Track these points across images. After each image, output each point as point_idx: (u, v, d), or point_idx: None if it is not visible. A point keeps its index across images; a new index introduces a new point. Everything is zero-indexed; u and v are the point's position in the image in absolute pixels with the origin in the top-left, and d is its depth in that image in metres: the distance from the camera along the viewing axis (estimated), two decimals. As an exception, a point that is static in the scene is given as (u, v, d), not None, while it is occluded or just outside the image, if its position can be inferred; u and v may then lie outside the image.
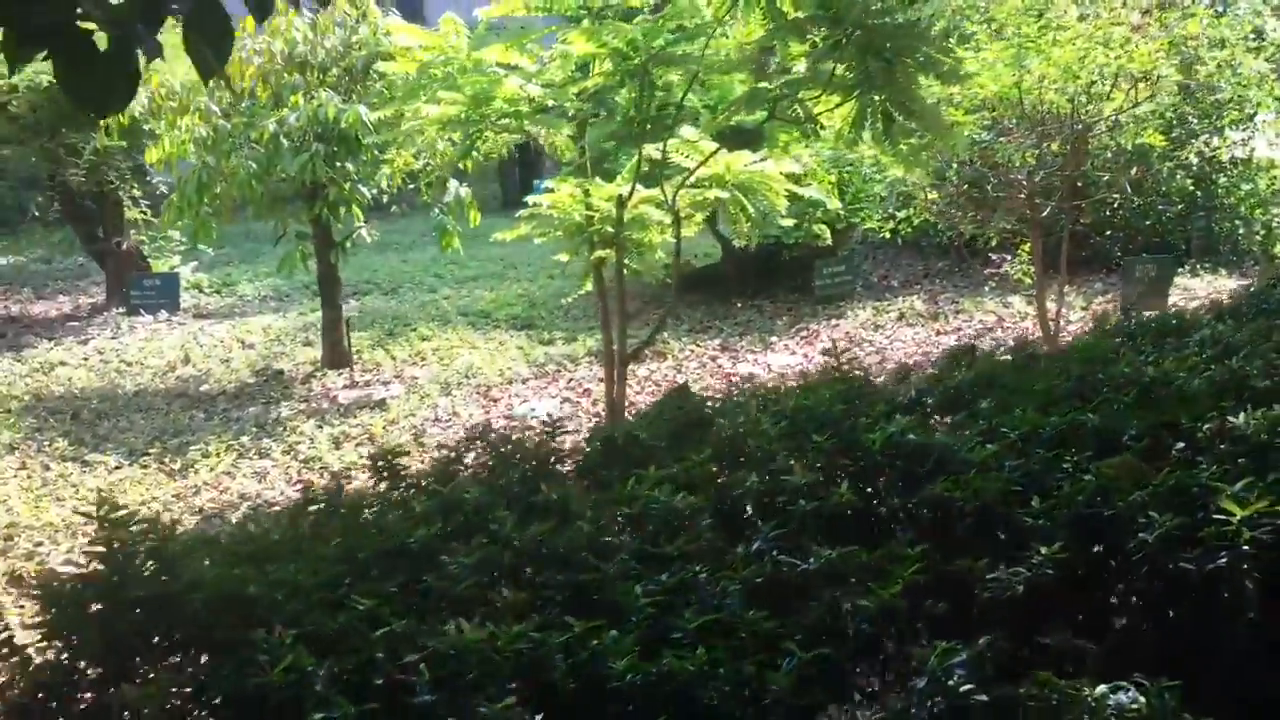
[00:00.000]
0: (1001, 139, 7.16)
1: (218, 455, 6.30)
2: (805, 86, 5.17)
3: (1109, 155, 8.38)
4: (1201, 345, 4.63)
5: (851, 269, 9.59)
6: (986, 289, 9.49)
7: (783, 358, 7.85)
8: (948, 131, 5.79)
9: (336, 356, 8.08)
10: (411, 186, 8.22)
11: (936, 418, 3.99)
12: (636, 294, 10.16)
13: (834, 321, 8.86)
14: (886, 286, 10.19)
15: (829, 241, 9.02)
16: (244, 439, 6.58)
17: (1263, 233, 10.35)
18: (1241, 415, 3.18)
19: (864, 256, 10.77)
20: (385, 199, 8.31)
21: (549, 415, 5.58)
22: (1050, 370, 4.51)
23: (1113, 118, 7.35)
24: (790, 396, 4.41)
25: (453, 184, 7.82)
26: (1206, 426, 3.28)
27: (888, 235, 8.99)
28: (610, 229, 5.86)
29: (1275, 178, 10.79)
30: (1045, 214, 7.59)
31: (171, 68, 7.05)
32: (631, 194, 5.61)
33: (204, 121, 7.36)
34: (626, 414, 5.86)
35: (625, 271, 6.10)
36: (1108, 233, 10.25)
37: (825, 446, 3.41)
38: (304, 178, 7.16)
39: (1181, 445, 3.24)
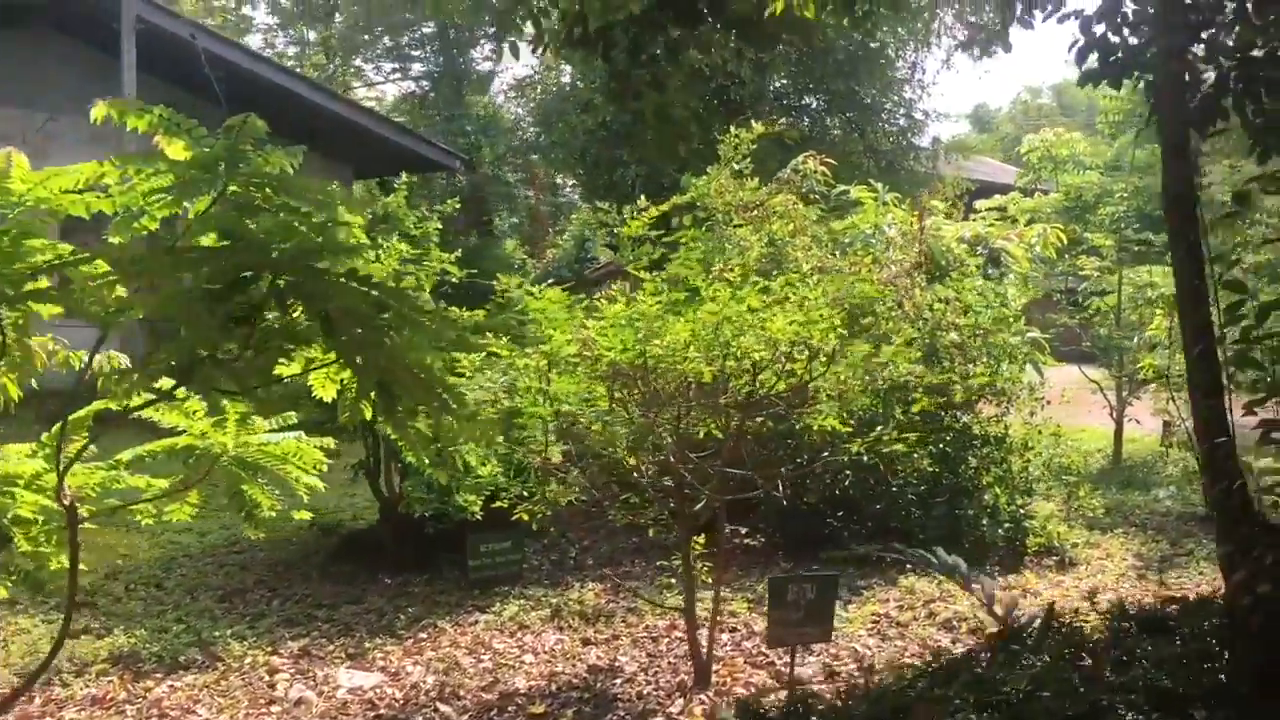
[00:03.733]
0: (605, 420, 5.70)
1: None
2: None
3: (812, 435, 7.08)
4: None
5: (518, 546, 7.92)
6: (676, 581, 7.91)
7: (365, 676, 6.03)
8: (468, 418, 4.30)
9: None
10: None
11: None
12: (266, 562, 8.32)
13: (474, 616, 7.11)
14: (576, 566, 8.54)
15: (477, 514, 7.37)
16: None
17: (1009, 525, 9.07)
18: None
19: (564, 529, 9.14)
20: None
21: None
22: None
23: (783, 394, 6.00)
24: None
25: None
26: None
27: (526, 518, 7.33)
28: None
29: (1029, 461, 9.63)
30: (699, 506, 6.12)
31: None
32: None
33: None
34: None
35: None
36: (837, 515, 8.86)
37: None
38: None
39: None
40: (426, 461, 4.54)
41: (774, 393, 5.95)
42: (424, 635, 6.73)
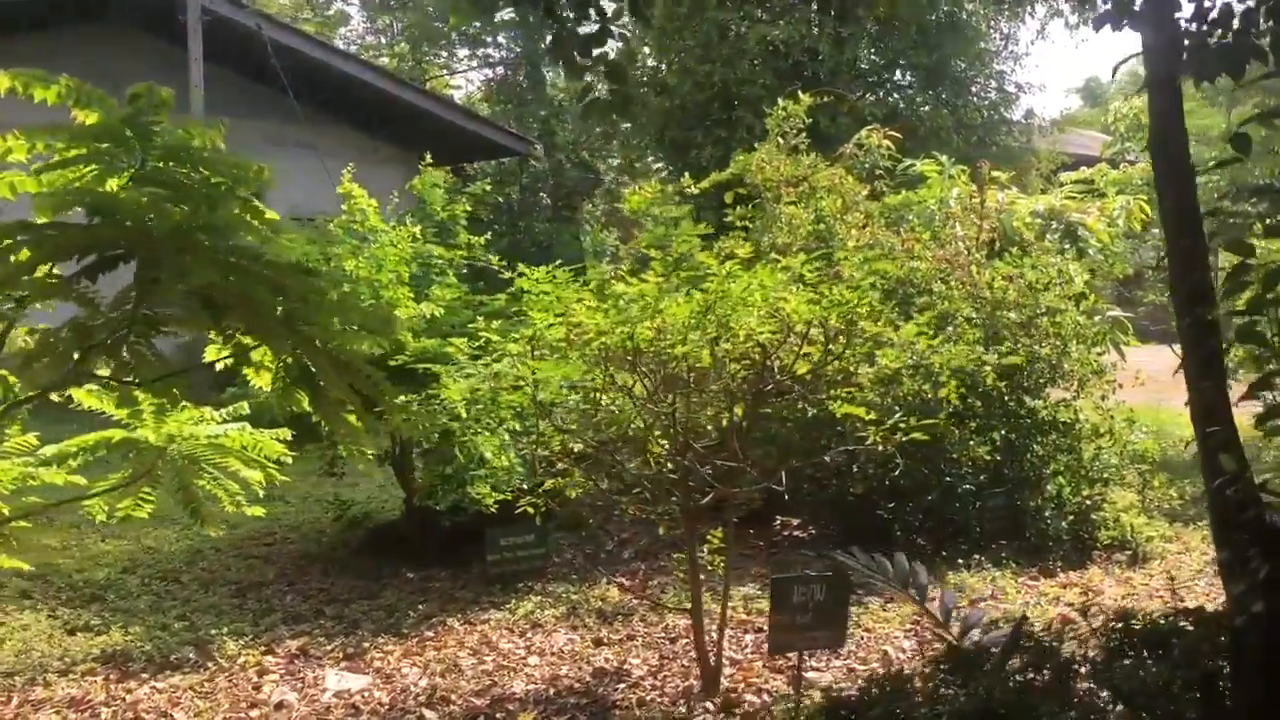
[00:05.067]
0: (583, 408, 5.31)
1: None
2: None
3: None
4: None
5: (542, 539, 7.58)
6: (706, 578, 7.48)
7: (355, 679, 5.75)
8: (399, 409, 3.97)
9: None
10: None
11: None
12: (287, 558, 8.15)
13: (487, 613, 6.80)
14: (610, 560, 8.19)
15: (491, 507, 7.04)
16: None
17: (1073, 517, 8.43)
18: None
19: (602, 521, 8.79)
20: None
21: None
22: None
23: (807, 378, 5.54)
24: None
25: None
26: None
27: (531, 511, 6.94)
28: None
29: (1100, 448, 8.94)
30: (706, 500, 5.70)
31: None
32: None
33: None
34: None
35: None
36: (889, 506, 8.33)
37: None
38: None
39: None
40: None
41: (792, 376, 5.50)
42: (430, 634, 6.43)
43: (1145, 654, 3.02)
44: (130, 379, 3.41)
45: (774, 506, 9.27)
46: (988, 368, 7.82)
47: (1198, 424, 3.11)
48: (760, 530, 9.12)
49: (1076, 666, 2.81)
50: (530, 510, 6.00)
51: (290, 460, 4.70)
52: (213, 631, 6.29)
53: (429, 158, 8.70)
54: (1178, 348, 3.63)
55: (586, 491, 6.05)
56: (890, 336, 6.29)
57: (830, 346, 5.47)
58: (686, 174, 10.59)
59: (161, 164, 3.52)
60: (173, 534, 8.36)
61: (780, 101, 9.92)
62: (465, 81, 30.66)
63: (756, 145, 9.89)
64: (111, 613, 6.64)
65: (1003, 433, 8.60)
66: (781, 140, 9.66)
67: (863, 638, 6.44)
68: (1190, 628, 3.08)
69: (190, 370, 3.72)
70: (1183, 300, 3.22)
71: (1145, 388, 9.83)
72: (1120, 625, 3.14)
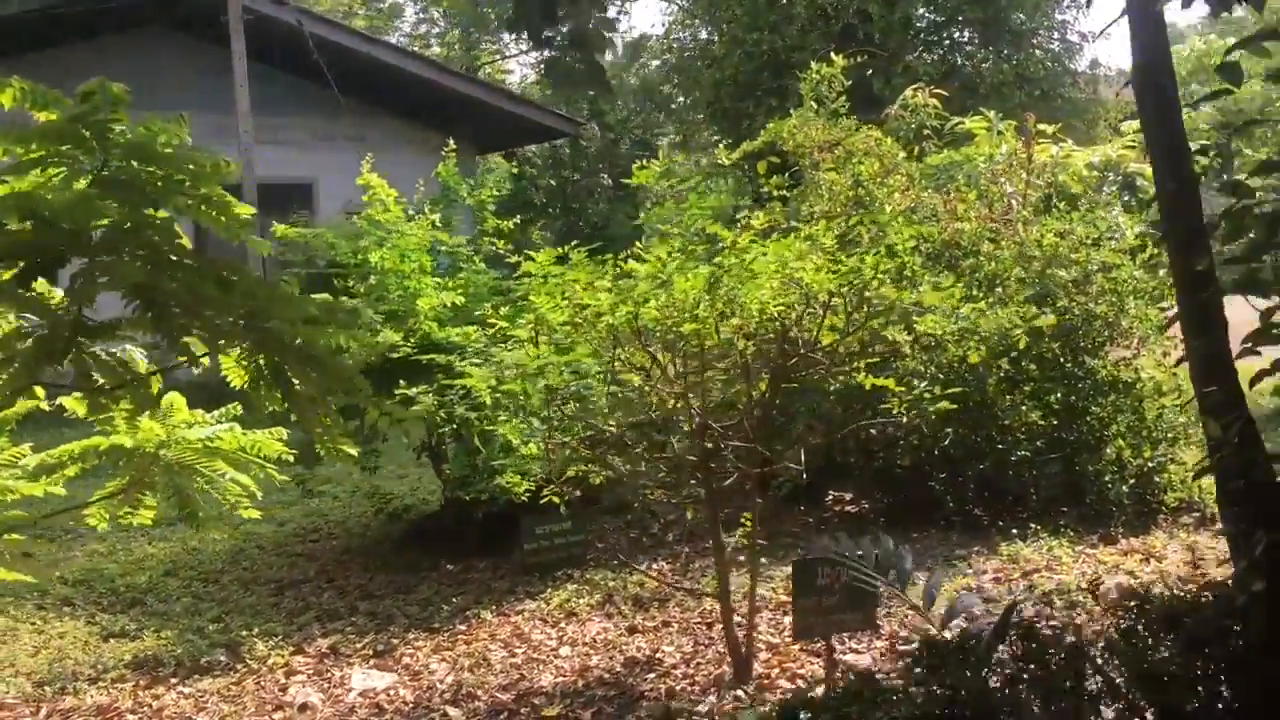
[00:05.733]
0: (586, 392, 5.12)
1: None
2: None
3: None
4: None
5: (580, 526, 7.44)
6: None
7: (381, 677, 5.67)
8: (375, 403, 3.82)
9: None
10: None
11: None
12: (326, 553, 8.12)
13: (522, 604, 6.68)
14: (655, 544, 8.03)
15: (522, 496, 6.90)
16: None
17: (1134, 480, 8.05)
18: None
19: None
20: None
21: None
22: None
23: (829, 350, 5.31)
24: None
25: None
26: None
27: (556, 500, 6.76)
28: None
29: (1163, 406, 8.53)
30: (729, 481, 5.50)
31: None
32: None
33: None
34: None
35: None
36: (940, 478, 8.04)
37: None
38: None
39: None
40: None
41: (812, 348, 5.26)
42: (463, 627, 6.34)
43: (1159, 635, 2.77)
44: (92, 385, 3.32)
45: (826, 480, 9.07)
46: (1021, 331, 7.48)
47: (1196, 384, 2.83)
48: (810, 506, 8.91)
49: (1074, 653, 2.57)
50: (556, 500, 5.85)
51: (292, 458, 4.60)
52: (244, 633, 6.25)
53: (452, 143, 8.55)
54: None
55: (607, 479, 5.88)
56: (933, 302, 6.00)
57: (853, 315, 5.23)
58: (741, 145, 10.32)
59: (123, 163, 3.40)
60: (218, 534, 8.38)
61: (813, 64, 9.59)
62: (518, 66, 30.65)
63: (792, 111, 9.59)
64: (149, 617, 6.65)
65: (1059, 395, 8.25)
66: (816, 105, 9.34)
67: (909, 616, 6.20)
68: (1208, 604, 2.83)
69: (163, 372, 3.63)
70: (1174, 248, 2.94)
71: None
72: (1134, 604, 2.89)
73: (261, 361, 3.59)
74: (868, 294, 4.92)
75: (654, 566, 7.34)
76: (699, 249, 5.53)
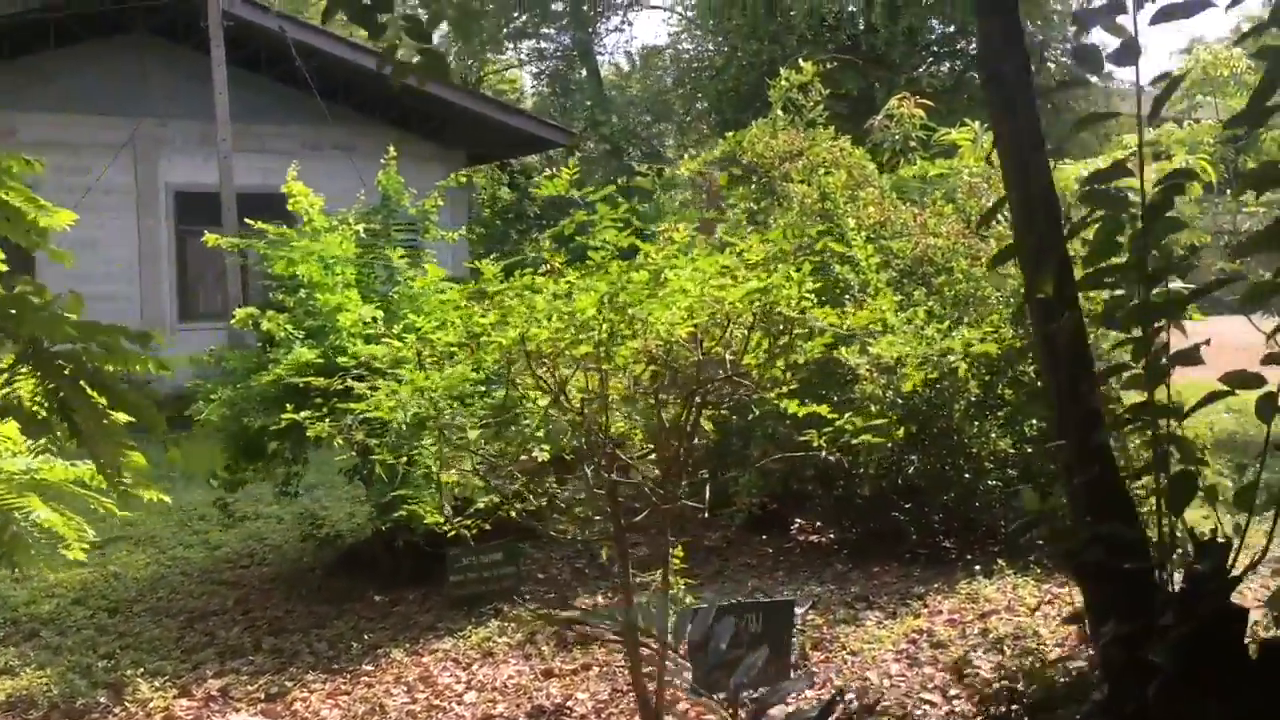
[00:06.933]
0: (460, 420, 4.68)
1: None
2: None
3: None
4: None
5: (512, 557, 6.99)
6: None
7: (262, 722, 5.25)
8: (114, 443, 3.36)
9: None
10: None
11: None
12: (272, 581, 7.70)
13: (439, 641, 6.23)
14: (594, 577, 7.53)
15: (442, 526, 6.45)
16: None
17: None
18: None
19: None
20: None
21: None
22: None
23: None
24: None
25: None
26: None
27: (464, 533, 6.29)
28: None
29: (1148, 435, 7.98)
30: (640, 518, 5.04)
31: None
32: None
33: None
34: None
35: None
36: (904, 508, 7.55)
37: None
38: None
39: None
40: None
41: (740, 371, 4.80)
42: (369, 667, 5.89)
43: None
44: None
45: (788, 509, 8.59)
46: (957, 358, 6.98)
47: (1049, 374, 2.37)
48: (773, 536, 8.44)
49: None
50: (465, 534, 5.40)
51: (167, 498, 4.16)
52: (130, 671, 5.83)
53: (392, 151, 8.14)
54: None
55: (523, 511, 5.43)
56: (861, 323, 5.52)
57: (753, 335, 4.75)
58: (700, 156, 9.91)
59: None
60: (144, 558, 7.99)
61: (782, 71, 9.15)
62: (521, 75, 30.33)
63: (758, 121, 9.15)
64: (39, 650, 6.23)
65: (1035, 422, 7.75)
66: (783, 113, 8.89)
67: (846, 661, 5.72)
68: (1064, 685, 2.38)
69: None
70: (1023, 262, 2.48)
71: (1215, 364, 8.82)
72: (1006, 686, 2.43)
73: (50, 387, 3.20)
74: (776, 313, 4.45)
75: (592, 600, 6.88)
76: (611, 265, 5.08)
